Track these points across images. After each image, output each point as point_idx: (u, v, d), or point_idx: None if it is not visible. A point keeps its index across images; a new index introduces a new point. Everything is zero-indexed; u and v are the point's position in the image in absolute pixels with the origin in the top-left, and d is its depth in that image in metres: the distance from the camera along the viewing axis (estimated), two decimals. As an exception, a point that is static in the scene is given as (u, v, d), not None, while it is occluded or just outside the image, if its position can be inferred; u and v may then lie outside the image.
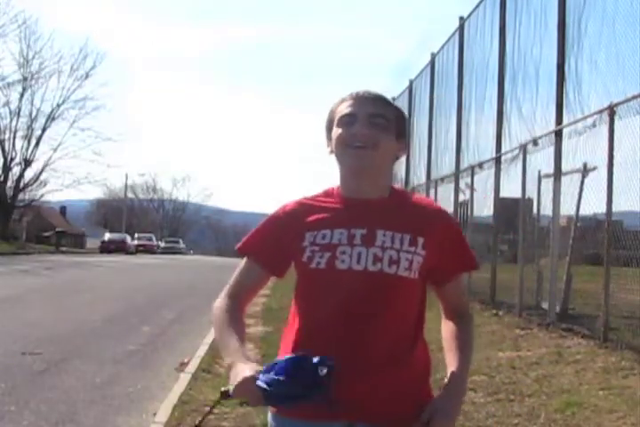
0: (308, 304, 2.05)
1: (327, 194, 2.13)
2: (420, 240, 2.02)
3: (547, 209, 10.76)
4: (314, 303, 2.03)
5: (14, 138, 45.36)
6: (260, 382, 1.83)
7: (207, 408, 5.47)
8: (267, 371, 1.86)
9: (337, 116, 2.08)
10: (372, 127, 2.03)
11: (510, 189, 12.63)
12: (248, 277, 2.13)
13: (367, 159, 2.02)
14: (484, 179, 13.80)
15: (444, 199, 16.43)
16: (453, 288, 2.14)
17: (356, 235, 2.01)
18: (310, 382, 1.83)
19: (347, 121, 2.05)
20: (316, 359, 1.85)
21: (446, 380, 2.04)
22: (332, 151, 2.10)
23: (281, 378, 1.82)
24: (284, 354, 1.99)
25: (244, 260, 2.14)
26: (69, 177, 50.02)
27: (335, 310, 1.98)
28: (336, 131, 2.07)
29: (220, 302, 2.12)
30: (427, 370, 2.10)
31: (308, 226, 2.06)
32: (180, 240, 67.02)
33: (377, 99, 2.09)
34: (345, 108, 2.07)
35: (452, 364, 2.07)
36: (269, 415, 2.11)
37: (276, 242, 2.09)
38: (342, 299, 1.98)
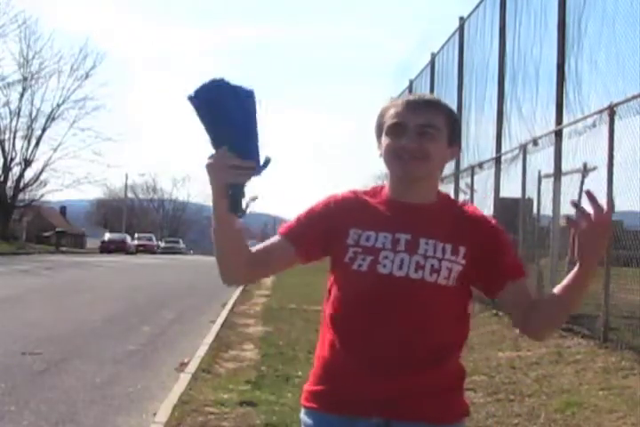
0: (347, 306, 2.04)
1: (374, 193, 2.12)
2: (462, 250, 2.02)
3: (547, 209, 10.76)
4: (353, 305, 2.03)
5: (14, 138, 45.39)
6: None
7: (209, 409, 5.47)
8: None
9: (386, 123, 2.05)
10: (422, 138, 2.00)
11: (510, 189, 12.63)
12: (273, 247, 2.08)
13: (417, 171, 2.01)
14: (484, 179, 13.80)
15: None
16: (511, 294, 2.05)
17: (400, 240, 2.01)
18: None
19: (396, 131, 2.02)
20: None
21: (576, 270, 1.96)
22: (381, 155, 2.08)
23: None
24: (321, 355, 2.05)
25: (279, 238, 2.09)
26: (69, 177, 49.93)
27: (374, 314, 1.99)
28: (385, 139, 2.05)
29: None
30: (461, 377, 2.10)
31: (355, 223, 2.04)
32: (180, 240, 67.03)
33: (428, 106, 2.05)
34: (394, 117, 2.04)
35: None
36: (302, 412, 2.08)
37: (318, 228, 2.06)
38: (380, 301, 1.99)
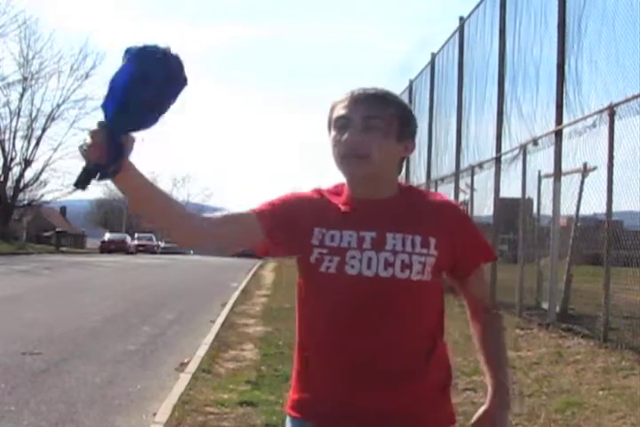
0: (317, 310, 1.96)
1: (337, 191, 2.03)
2: (432, 241, 1.93)
3: (547, 209, 10.77)
4: (322, 309, 1.95)
5: (14, 138, 45.36)
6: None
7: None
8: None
9: (333, 117, 1.97)
10: (368, 132, 1.90)
11: (510, 189, 12.64)
12: (237, 216, 1.97)
13: (362, 168, 1.92)
14: (484, 179, 13.80)
15: (444, 199, 16.41)
16: (474, 281, 2.05)
17: (365, 238, 1.92)
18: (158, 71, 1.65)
19: (340, 124, 1.93)
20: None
21: (490, 390, 2.01)
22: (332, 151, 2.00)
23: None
24: (300, 363, 1.98)
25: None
26: (69, 177, 49.92)
27: (345, 318, 1.91)
28: (331, 134, 1.97)
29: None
30: (445, 376, 2.02)
31: (318, 221, 1.96)
32: (181, 240, 66.95)
33: (374, 98, 1.94)
34: (340, 109, 1.95)
35: (491, 372, 2.03)
36: (287, 420, 2.02)
37: (287, 216, 1.95)
38: (353, 306, 1.90)
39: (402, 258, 1.91)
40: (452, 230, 1.97)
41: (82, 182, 1.73)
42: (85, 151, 1.68)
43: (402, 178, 2.10)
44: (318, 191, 2.04)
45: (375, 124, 1.91)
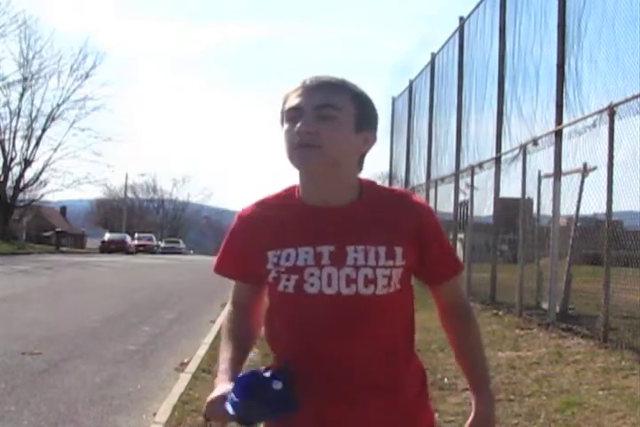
0: (281, 330, 1.87)
1: (288, 196, 1.86)
2: (399, 250, 1.78)
3: (547, 209, 10.77)
4: (285, 330, 1.85)
5: (14, 138, 45.37)
6: (227, 405, 1.72)
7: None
8: (232, 391, 1.75)
9: (285, 109, 1.81)
10: (320, 121, 1.74)
11: (510, 189, 12.64)
12: (241, 291, 1.99)
13: (316, 160, 1.75)
14: (484, 179, 13.80)
15: (444, 199, 16.44)
16: (445, 288, 1.93)
17: (323, 254, 1.77)
18: (269, 398, 1.70)
19: (292, 116, 1.78)
20: (267, 373, 1.73)
21: (473, 404, 1.94)
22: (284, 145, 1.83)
23: (237, 400, 1.70)
24: None
25: None
26: (69, 177, 49.98)
27: (309, 338, 1.80)
28: (283, 127, 1.81)
29: (227, 310, 2.02)
30: (419, 382, 1.93)
31: (270, 243, 1.81)
32: (181, 240, 67.08)
33: (326, 86, 1.79)
34: (292, 100, 1.80)
35: (473, 384, 1.95)
36: None
37: (244, 258, 1.88)
38: (316, 326, 1.78)
39: (365, 273, 1.76)
40: (420, 237, 1.82)
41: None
42: None
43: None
44: (260, 205, 1.89)
45: (328, 113, 1.76)
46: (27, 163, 45.82)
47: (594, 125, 8.95)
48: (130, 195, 78.99)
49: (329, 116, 1.76)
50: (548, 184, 10.65)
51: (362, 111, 1.81)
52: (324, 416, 1.81)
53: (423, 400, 1.94)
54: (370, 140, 1.84)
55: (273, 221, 1.84)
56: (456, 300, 1.96)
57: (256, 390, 1.70)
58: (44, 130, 46.16)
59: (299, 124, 1.75)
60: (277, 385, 1.71)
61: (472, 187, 14.35)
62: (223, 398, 1.72)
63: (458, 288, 1.99)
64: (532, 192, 11.53)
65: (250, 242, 1.86)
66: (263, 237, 1.83)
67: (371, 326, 1.79)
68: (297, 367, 1.79)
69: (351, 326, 1.78)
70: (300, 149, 1.75)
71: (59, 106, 46.47)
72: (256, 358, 7.77)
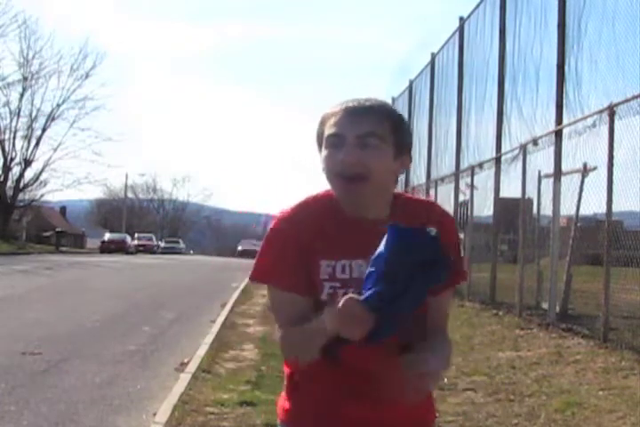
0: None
1: (328, 202, 1.85)
2: None
3: (547, 209, 10.77)
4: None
5: (14, 138, 45.32)
6: (366, 281, 1.59)
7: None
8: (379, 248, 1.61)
9: (325, 133, 1.82)
10: (363, 150, 1.77)
11: (510, 189, 12.64)
12: (296, 305, 1.81)
13: (359, 192, 1.78)
14: (484, 179, 13.80)
15: (444, 199, 16.44)
16: (439, 302, 1.89)
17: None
18: (425, 242, 1.60)
19: (333, 142, 1.79)
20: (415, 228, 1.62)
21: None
22: (324, 169, 1.83)
23: (388, 248, 1.57)
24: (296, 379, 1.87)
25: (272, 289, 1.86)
26: (69, 177, 49.91)
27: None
28: (323, 152, 1.82)
29: (280, 332, 1.86)
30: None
31: (322, 252, 1.79)
32: (180, 240, 67.00)
33: (368, 112, 1.79)
34: (333, 126, 1.80)
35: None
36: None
37: (300, 267, 1.79)
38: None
39: None
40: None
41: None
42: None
43: (401, 179, 2.05)
44: (304, 208, 1.85)
45: (371, 142, 1.78)
46: (27, 163, 45.82)
47: (594, 125, 8.95)
48: (130, 195, 79.01)
49: (372, 145, 1.78)
50: (548, 184, 10.66)
51: (400, 138, 1.83)
52: (350, 415, 1.83)
53: (430, 400, 1.97)
54: (406, 164, 1.87)
55: (320, 229, 1.82)
56: (440, 322, 1.93)
57: (411, 232, 1.63)
58: (44, 130, 46.17)
59: (342, 154, 1.77)
60: (432, 232, 1.65)
61: (472, 187, 14.36)
62: (353, 299, 1.61)
63: (448, 303, 1.97)
64: (532, 192, 11.54)
65: (303, 248, 1.80)
66: (313, 244, 1.80)
67: (416, 333, 1.81)
68: (326, 372, 1.77)
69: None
70: (346, 181, 1.77)
71: (59, 106, 46.49)
72: (256, 357, 7.78)
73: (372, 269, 1.63)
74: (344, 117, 1.79)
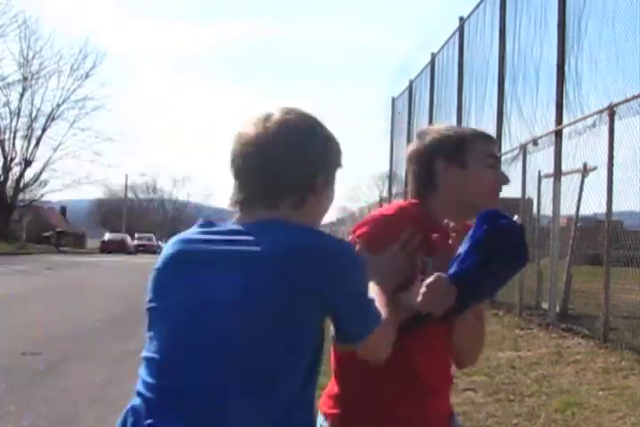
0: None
1: (418, 214, 2.00)
2: None
3: (547, 209, 10.77)
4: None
5: (14, 138, 45.43)
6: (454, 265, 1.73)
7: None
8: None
9: (481, 153, 2.02)
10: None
11: (510, 189, 12.63)
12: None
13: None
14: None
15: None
16: None
17: None
18: (515, 227, 1.74)
19: (494, 164, 2.06)
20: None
21: None
22: (455, 182, 2.00)
23: (480, 235, 1.71)
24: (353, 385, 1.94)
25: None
26: (69, 177, 50.00)
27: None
28: (485, 170, 2.02)
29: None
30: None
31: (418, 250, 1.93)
32: (181, 240, 66.95)
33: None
34: (492, 150, 2.08)
35: None
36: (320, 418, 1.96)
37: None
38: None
39: None
40: None
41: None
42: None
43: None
44: (404, 213, 1.99)
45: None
46: (27, 163, 45.87)
47: (594, 125, 8.96)
48: (130, 195, 79.06)
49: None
50: (548, 184, 10.66)
51: None
52: (395, 410, 1.92)
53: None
54: None
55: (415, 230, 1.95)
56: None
57: (502, 217, 1.75)
58: (44, 130, 46.25)
59: (499, 174, 2.04)
60: (518, 220, 1.79)
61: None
62: (443, 276, 1.75)
63: None
64: (532, 192, 11.55)
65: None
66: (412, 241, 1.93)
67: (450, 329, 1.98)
68: (371, 368, 1.82)
69: (443, 328, 1.95)
70: (496, 196, 2.04)
71: (59, 106, 46.58)
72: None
73: (461, 251, 1.75)
74: (494, 145, 2.14)
